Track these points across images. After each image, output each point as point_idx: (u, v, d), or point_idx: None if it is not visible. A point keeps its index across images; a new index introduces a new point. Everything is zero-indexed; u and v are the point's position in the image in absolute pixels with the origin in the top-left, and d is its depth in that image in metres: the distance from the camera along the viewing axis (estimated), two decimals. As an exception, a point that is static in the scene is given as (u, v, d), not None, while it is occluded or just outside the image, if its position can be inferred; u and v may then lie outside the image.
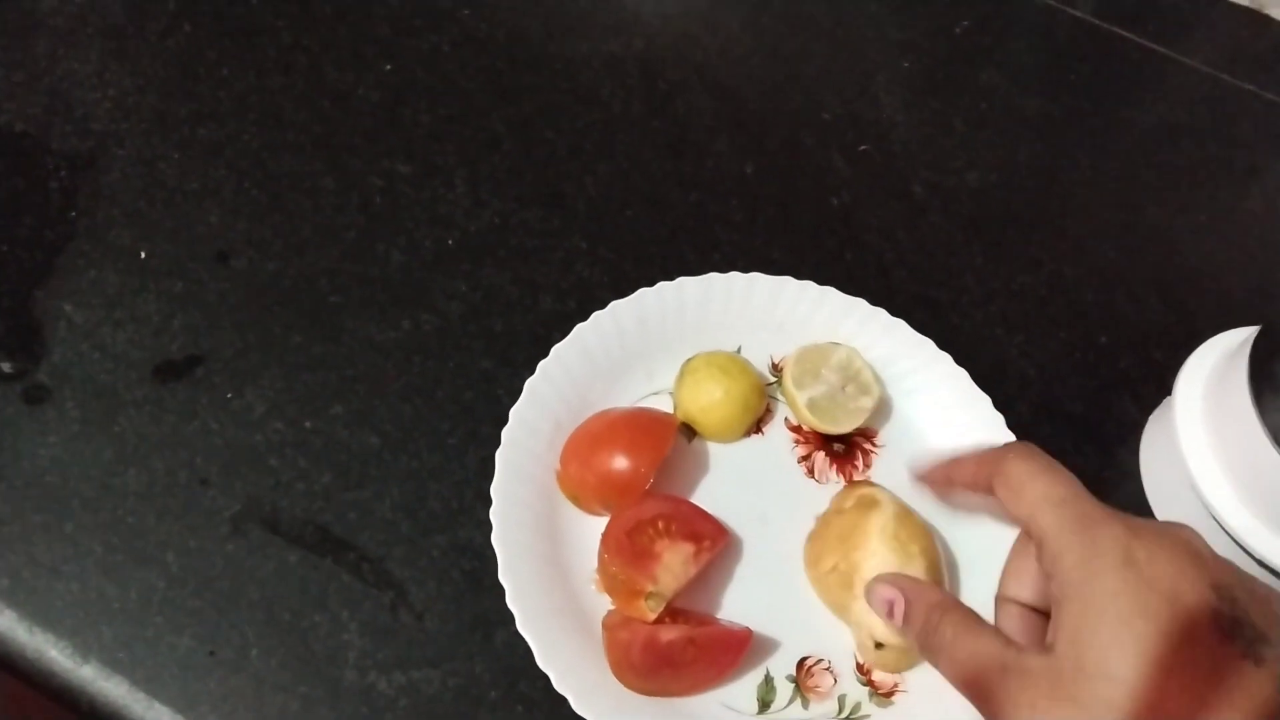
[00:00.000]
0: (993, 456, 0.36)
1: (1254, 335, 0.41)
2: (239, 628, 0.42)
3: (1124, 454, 0.50)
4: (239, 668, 0.42)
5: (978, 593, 0.43)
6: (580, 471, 0.45)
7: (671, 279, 0.50)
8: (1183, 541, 0.32)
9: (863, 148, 0.59)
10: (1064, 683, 0.31)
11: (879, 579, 0.39)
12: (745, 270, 0.51)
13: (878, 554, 0.42)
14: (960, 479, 0.38)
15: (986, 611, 0.37)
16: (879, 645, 0.42)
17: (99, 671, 0.42)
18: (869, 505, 0.44)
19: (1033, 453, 0.35)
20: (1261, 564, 0.40)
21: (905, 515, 0.43)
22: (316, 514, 0.45)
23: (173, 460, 0.46)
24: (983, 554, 0.44)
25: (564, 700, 0.40)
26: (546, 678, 0.41)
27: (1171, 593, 0.30)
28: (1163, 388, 0.49)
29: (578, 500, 0.45)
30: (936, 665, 0.36)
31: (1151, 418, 0.50)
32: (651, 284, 0.50)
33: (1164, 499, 0.47)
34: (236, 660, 0.42)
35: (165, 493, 0.45)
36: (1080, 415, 0.51)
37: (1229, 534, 0.41)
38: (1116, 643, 0.30)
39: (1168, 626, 0.30)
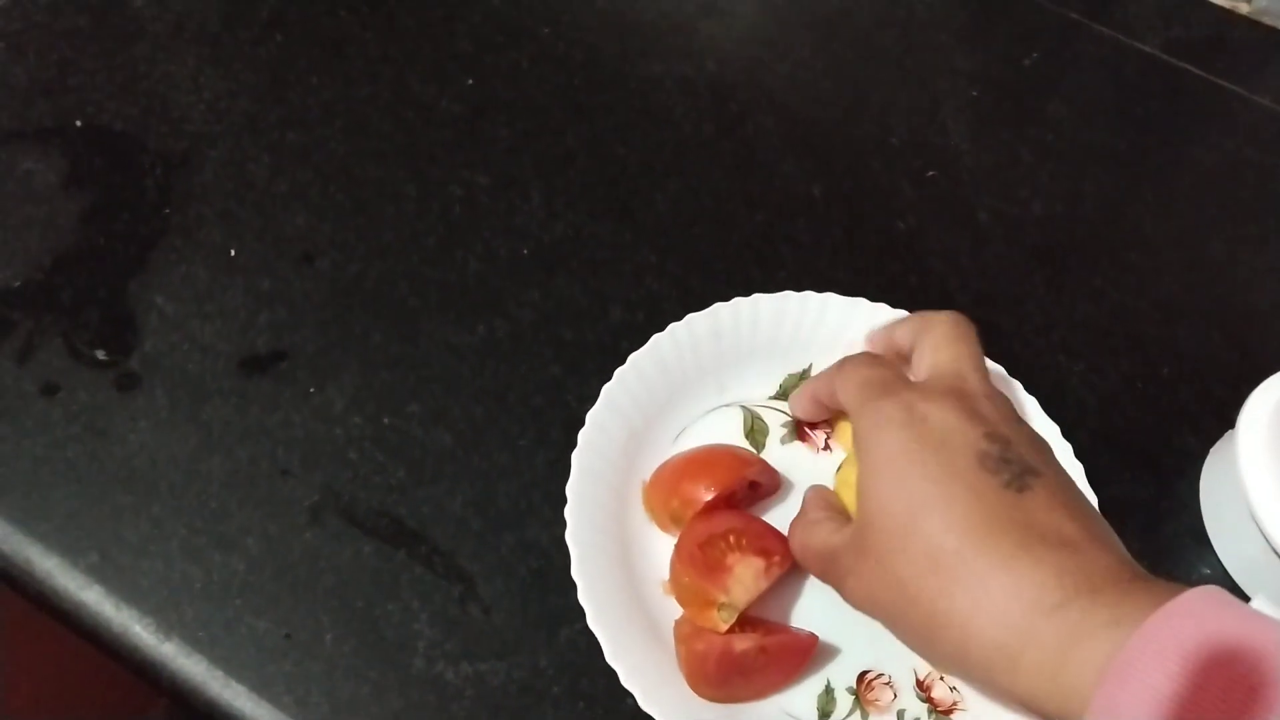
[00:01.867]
0: (834, 368, 0.43)
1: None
2: (314, 613, 0.44)
3: (1182, 486, 0.51)
4: (313, 652, 0.43)
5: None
6: (663, 493, 0.46)
7: (737, 295, 0.51)
8: (964, 397, 0.36)
9: (930, 174, 0.60)
10: (862, 543, 0.36)
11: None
12: (811, 289, 0.52)
13: None
14: (822, 395, 0.44)
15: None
16: None
17: (180, 649, 0.44)
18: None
19: (859, 357, 0.42)
20: (1325, 598, 0.41)
21: None
22: (391, 506, 0.47)
23: (255, 450, 0.48)
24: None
25: (623, 699, 0.42)
26: (607, 676, 0.42)
27: (941, 441, 0.35)
28: (1223, 421, 0.50)
29: (654, 516, 0.47)
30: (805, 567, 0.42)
31: (1213, 450, 0.50)
32: (718, 299, 0.51)
33: (1223, 531, 0.47)
34: (311, 644, 0.43)
35: (247, 481, 0.47)
36: (1140, 445, 0.52)
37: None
38: (890, 494, 0.35)
39: (935, 471, 0.34)
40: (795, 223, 0.58)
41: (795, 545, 0.42)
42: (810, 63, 0.65)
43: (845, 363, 0.42)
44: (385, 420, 0.49)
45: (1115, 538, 0.35)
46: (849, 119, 0.62)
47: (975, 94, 0.64)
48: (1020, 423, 0.38)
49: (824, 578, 0.40)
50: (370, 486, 0.47)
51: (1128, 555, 0.34)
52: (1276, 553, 0.42)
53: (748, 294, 0.51)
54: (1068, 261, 0.58)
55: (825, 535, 0.40)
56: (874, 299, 0.52)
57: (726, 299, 0.51)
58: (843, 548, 0.38)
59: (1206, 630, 0.27)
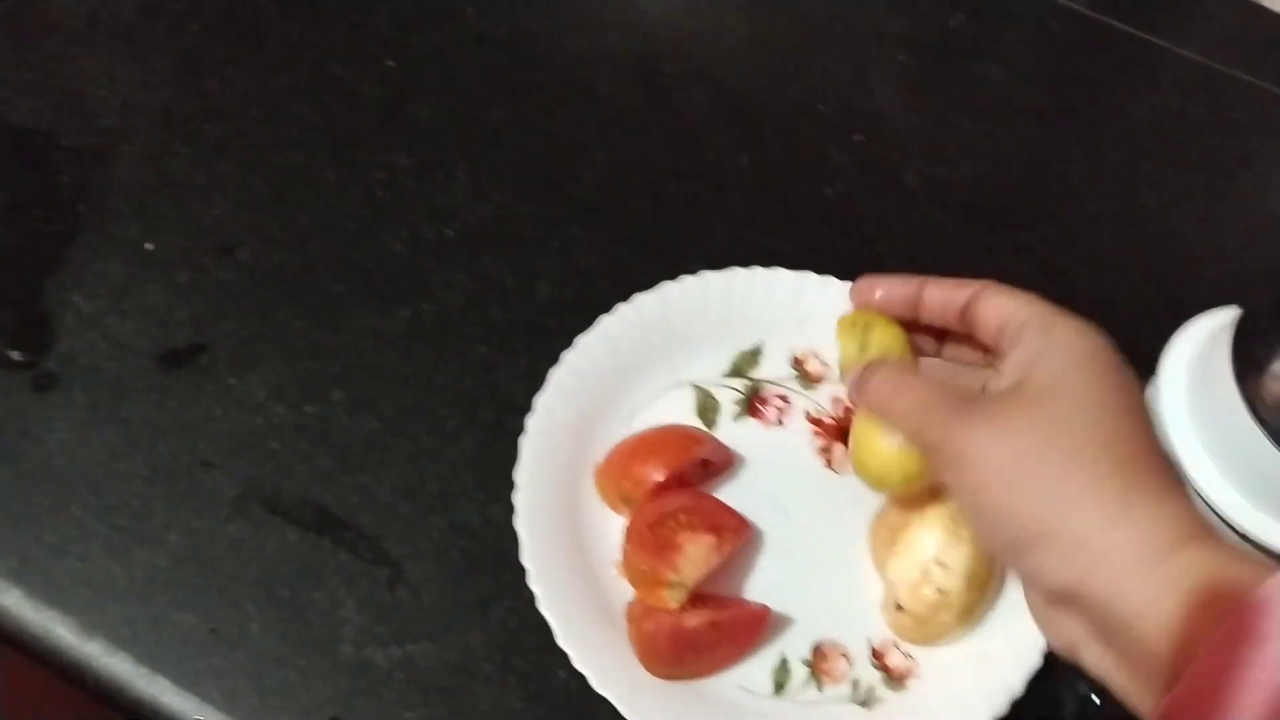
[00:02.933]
0: (968, 284, 0.39)
1: (1238, 313, 0.42)
2: (240, 605, 0.43)
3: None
4: (239, 643, 0.43)
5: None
6: (614, 475, 0.46)
7: (669, 268, 0.51)
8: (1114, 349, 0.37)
9: (857, 138, 0.60)
10: (1024, 417, 0.33)
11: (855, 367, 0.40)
12: (743, 260, 0.52)
13: (929, 524, 0.43)
14: (931, 299, 0.40)
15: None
16: (899, 607, 0.43)
17: (104, 648, 0.43)
18: None
19: (1006, 287, 0.38)
20: (1244, 537, 0.41)
21: None
22: (316, 495, 0.46)
23: (176, 444, 0.47)
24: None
25: (554, 673, 0.41)
26: (539, 652, 0.42)
27: (1118, 378, 0.35)
28: (1154, 369, 0.50)
29: (606, 498, 0.46)
30: (888, 417, 0.38)
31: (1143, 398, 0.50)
32: (649, 273, 0.51)
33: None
34: (237, 636, 0.43)
35: (169, 476, 0.46)
36: (1073, 399, 0.51)
37: (1212, 508, 0.41)
38: (1071, 397, 0.34)
39: (1125, 379, 0.35)
40: (726, 193, 0.57)
41: (883, 383, 0.38)
42: (737, 31, 0.64)
43: (996, 290, 0.39)
44: (309, 409, 0.48)
45: None
46: (777, 87, 0.62)
47: (902, 58, 0.63)
48: None
49: (921, 424, 0.36)
50: (294, 476, 0.47)
51: None
52: (1199, 494, 0.42)
53: (678, 267, 0.51)
54: (997, 220, 0.58)
55: (933, 391, 0.36)
56: (806, 266, 0.51)
57: (658, 273, 0.50)
58: (979, 404, 0.35)
59: None
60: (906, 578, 0.43)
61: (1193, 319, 0.45)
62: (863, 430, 0.41)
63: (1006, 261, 0.56)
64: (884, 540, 0.44)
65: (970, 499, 0.34)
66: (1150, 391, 0.48)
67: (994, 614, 0.44)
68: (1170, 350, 0.45)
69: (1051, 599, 0.33)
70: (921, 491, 0.43)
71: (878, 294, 0.41)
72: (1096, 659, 0.32)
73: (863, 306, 0.41)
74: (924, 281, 0.40)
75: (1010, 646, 0.43)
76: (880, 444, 0.40)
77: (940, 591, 0.42)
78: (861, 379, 0.39)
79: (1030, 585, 0.34)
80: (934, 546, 0.43)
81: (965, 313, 0.39)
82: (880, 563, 0.45)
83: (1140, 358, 0.52)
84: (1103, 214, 0.59)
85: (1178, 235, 0.58)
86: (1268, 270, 0.57)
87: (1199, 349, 0.44)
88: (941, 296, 0.40)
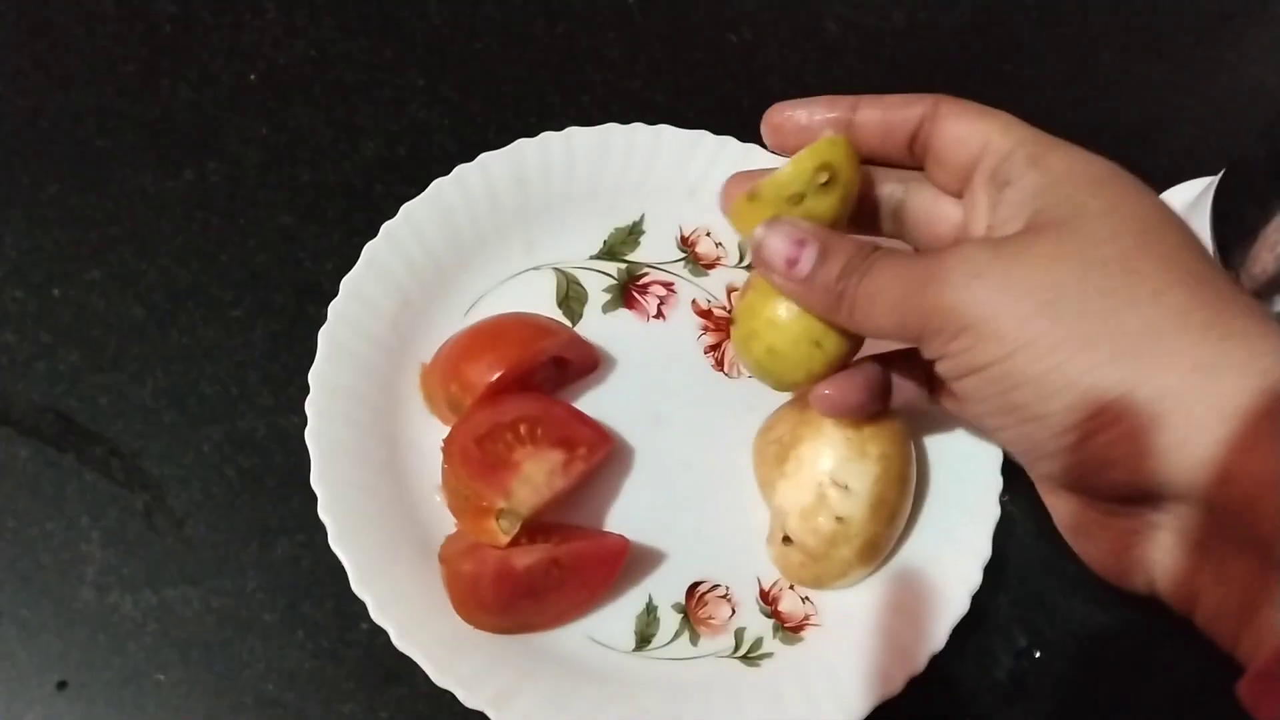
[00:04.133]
0: (915, 99, 0.31)
1: (1215, 183, 0.34)
2: (-53, 538, 0.34)
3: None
4: (-55, 587, 0.33)
5: (947, 518, 0.36)
6: (441, 377, 0.37)
7: (529, 126, 0.41)
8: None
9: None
10: (1047, 235, 0.26)
11: (779, 220, 0.30)
12: (621, 117, 0.42)
13: (826, 438, 0.34)
14: (867, 123, 0.32)
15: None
16: (787, 540, 0.35)
17: None
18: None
19: (967, 104, 0.31)
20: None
21: (877, 415, 0.35)
22: (58, 400, 0.36)
23: (-120, 335, 0.37)
24: (955, 479, 0.37)
25: (356, 625, 0.33)
26: (336, 599, 0.33)
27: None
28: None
29: (433, 406, 0.37)
30: (857, 313, 0.29)
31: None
32: (506, 131, 0.40)
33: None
34: (-59, 578, 0.33)
35: None
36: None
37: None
38: (1127, 224, 0.26)
39: (1159, 202, 0.27)
40: (604, 35, 0.47)
41: (834, 262, 0.29)
42: None
43: (951, 104, 0.31)
44: (55, 291, 0.38)
45: None
46: (673, -89, 0.51)
47: (827, -120, 0.53)
48: None
49: (903, 299, 0.28)
50: (31, 375, 0.37)
51: None
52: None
53: (541, 125, 0.41)
54: (932, 78, 0.49)
55: (924, 259, 0.28)
56: (699, 124, 0.42)
57: (515, 131, 0.40)
58: (974, 251, 0.27)
59: None
60: (797, 503, 0.34)
61: (1166, 192, 0.37)
62: (757, 305, 0.32)
63: (940, 126, 0.47)
64: (771, 458, 0.36)
65: (997, 383, 0.26)
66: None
67: (907, 551, 0.36)
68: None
69: (1130, 494, 0.25)
70: None
71: (799, 120, 0.32)
72: (1175, 576, 0.25)
73: (779, 146, 0.33)
74: (856, 102, 0.32)
75: (930, 591, 0.35)
76: (783, 321, 0.31)
77: (838, 520, 0.34)
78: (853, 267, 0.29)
79: (1098, 480, 0.26)
80: (831, 463, 0.34)
81: (917, 139, 0.31)
82: (766, 485, 0.36)
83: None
84: (1055, 73, 0.50)
85: (1140, 99, 0.49)
86: (1248, 136, 0.48)
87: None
88: (881, 120, 0.31)
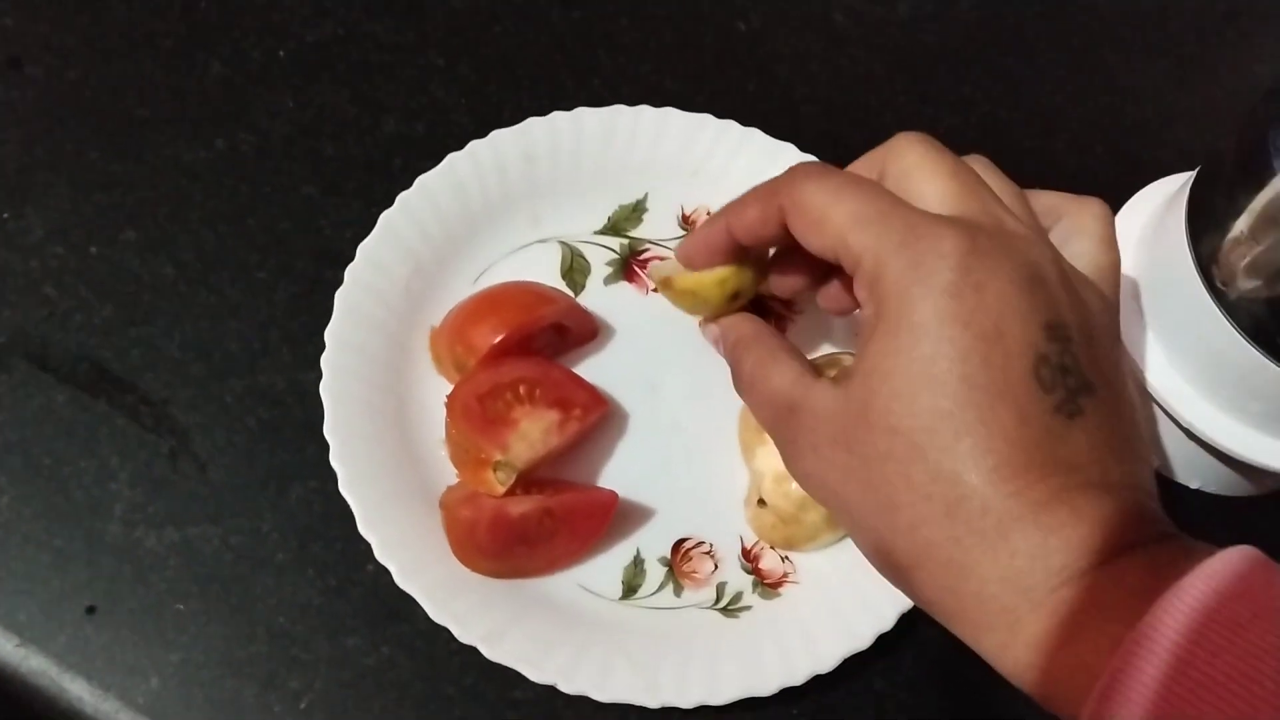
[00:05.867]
0: (774, 186, 0.29)
1: (1191, 178, 0.35)
2: (-11, 472, 0.37)
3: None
4: (-15, 517, 0.36)
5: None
6: (448, 339, 0.39)
7: (543, 106, 0.43)
8: (1028, 263, 0.26)
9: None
10: (847, 427, 0.26)
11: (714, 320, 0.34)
12: (631, 100, 0.44)
13: None
14: (743, 230, 0.31)
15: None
16: (761, 502, 0.37)
17: None
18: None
19: (826, 171, 0.28)
20: (1187, 431, 0.34)
21: None
22: (93, 350, 0.39)
23: (-68, 286, 0.40)
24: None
25: (362, 566, 0.35)
26: (345, 540, 0.35)
27: (994, 331, 0.25)
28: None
29: (441, 367, 0.39)
30: (750, 407, 0.32)
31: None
32: (519, 110, 0.43)
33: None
34: (-18, 509, 0.36)
35: (-81, 321, 0.39)
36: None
37: (1156, 399, 0.35)
38: (917, 386, 0.25)
39: (981, 376, 0.25)
40: (617, 21, 0.49)
41: (744, 373, 0.31)
42: None
43: (806, 185, 0.28)
44: (94, 249, 0.41)
45: (1151, 470, 0.27)
46: (689, -96, 0.53)
47: (839, -125, 0.54)
48: (1084, 304, 0.27)
49: (771, 429, 0.30)
50: (69, 326, 0.39)
51: (1156, 494, 0.27)
52: (1145, 385, 0.35)
53: (554, 105, 0.43)
54: (935, 69, 0.50)
55: (791, 379, 0.29)
56: (707, 109, 0.44)
57: (529, 110, 0.42)
58: (813, 410, 0.28)
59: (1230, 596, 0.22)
60: (772, 468, 0.36)
61: (1146, 187, 0.39)
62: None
63: (942, 116, 0.49)
64: (753, 425, 0.38)
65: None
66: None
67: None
68: (1120, 220, 0.38)
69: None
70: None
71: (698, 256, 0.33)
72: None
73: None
74: (726, 214, 0.32)
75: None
76: (760, 451, 0.37)
77: (812, 484, 0.36)
78: (736, 360, 0.32)
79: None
80: None
81: (791, 230, 0.29)
82: (747, 450, 0.38)
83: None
84: (1056, 68, 0.51)
85: (1140, 96, 0.50)
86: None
87: (1152, 218, 0.37)
88: (753, 224, 0.30)
